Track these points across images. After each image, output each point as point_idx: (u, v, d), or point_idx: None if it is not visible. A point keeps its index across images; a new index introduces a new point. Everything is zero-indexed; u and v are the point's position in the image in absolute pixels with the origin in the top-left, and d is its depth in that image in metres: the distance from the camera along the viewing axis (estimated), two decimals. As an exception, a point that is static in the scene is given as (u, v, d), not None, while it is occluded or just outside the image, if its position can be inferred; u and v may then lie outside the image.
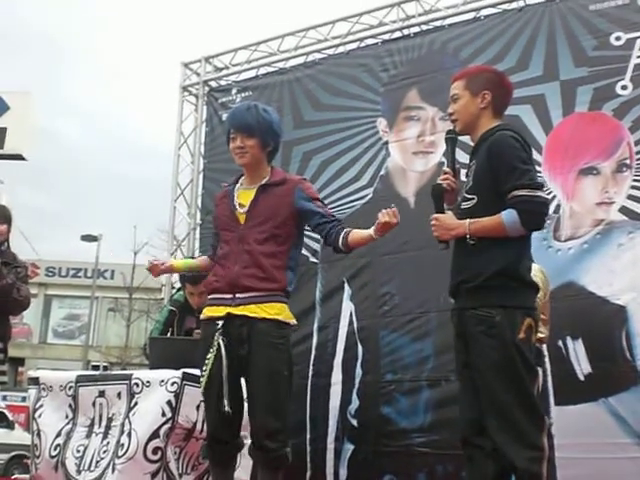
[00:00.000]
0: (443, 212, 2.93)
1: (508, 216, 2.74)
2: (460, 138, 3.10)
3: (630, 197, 4.62)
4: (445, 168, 3.09)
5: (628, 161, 4.67)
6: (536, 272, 4.10)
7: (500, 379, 2.71)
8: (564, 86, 5.00)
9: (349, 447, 5.29)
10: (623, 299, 4.46)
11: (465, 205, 2.90)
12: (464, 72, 3.14)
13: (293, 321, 3.25)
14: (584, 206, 4.70)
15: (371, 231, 3.06)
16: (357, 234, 3.15)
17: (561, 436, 4.30)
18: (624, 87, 4.76)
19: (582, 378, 4.48)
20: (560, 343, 4.53)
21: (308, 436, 5.45)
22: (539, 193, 2.78)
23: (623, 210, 4.63)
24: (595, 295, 4.54)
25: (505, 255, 2.79)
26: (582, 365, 4.49)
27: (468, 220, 2.83)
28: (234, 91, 6.91)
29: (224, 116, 6.85)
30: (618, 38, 4.90)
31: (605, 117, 4.81)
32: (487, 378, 2.74)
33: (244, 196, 3.30)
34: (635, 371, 4.35)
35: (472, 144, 3.04)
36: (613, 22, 4.97)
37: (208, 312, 3.26)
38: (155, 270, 3.51)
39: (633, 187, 4.64)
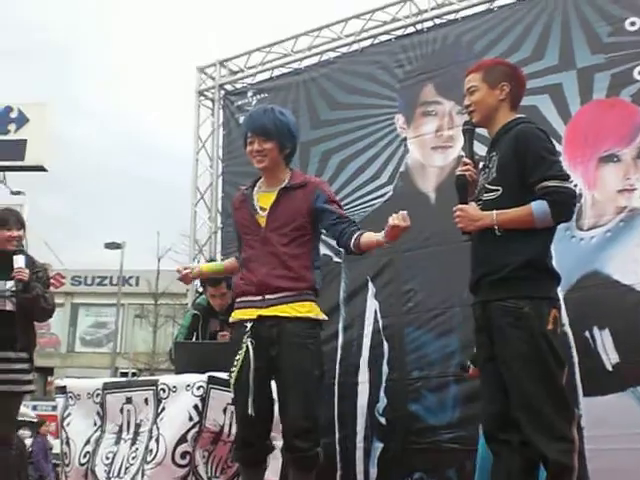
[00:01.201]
0: (467, 203, 2.90)
1: (538, 207, 2.74)
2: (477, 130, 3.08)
3: (653, 183, 4.57)
4: (465, 159, 3.05)
5: (649, 146, 4.62)
6: None
7: (529, 371, 2.69)
8: (581, 74, 4.95)
9: (378, 445, 5.28)
10: (648, 287, 4.41)
11: (489, 196, 2.88)
12: (480, 64, 3.14)
13: (323, 317, 3.28)
14: (606, 194, 4.64)
15: (380, 236, 3.05)
16: (368, 237, 3.14)
17: (590, 427, 4.27)
18: (641, 72, 4.73)
19: (610, 368, 4.42)
20: (587, 334, 4.47)
21: (337, 436, 5.44)
22: (568, 184, 2.79)
23: (646, 196, 4.58)
24: (620, 284, 4.48)
25: (531, 246, 2.79)
26: (610, 355, 4.42)
27: (495, 211, 2.81)
28: (250, 94, 6.92)
29: (241, 119, 6.87)
30: (633, 23, 4.85)
31: (623, 103, 4.76)
32: (515, 370, 2.72)
33: (264, 199, 3.32)
34: (664, 360, 4.30)
35: (488, 136, 3.02)
36: (626, 8, 4.92)
37: (238, 315, 3.29)
38: (186, 280, 3.58)
39: (655, 172, 4.59)
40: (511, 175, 2.83)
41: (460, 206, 2.90)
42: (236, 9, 61.16)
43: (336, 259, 5.72)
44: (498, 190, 2.85)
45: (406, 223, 2.93)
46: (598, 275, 4.55)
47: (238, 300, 3.32)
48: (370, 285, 5.57)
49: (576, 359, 4.42)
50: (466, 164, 3.01)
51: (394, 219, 2.95)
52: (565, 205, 2.79)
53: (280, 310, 3.16)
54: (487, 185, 2.91)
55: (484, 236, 2.85)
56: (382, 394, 5.32)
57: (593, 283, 4.50)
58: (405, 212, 2.96)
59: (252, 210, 3.32)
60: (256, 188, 3.39)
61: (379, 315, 5.48)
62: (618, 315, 4.46)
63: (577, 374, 4.41)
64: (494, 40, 5.44)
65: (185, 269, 3.58)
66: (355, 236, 3.16)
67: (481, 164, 3.06)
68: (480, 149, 3.22)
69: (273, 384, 3.26)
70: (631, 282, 4.46)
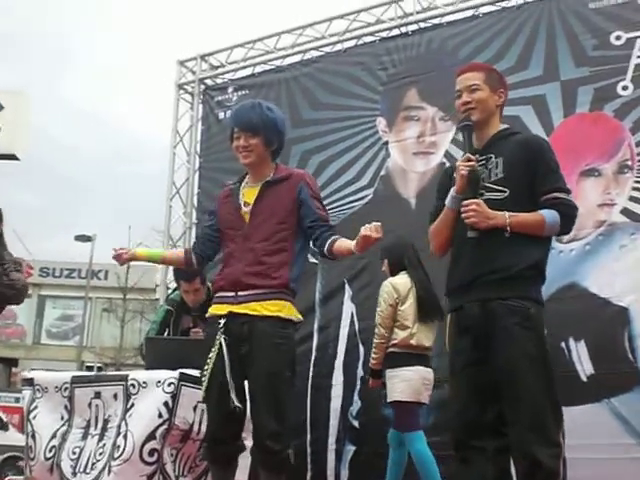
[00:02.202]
0: (478, 198, 2.83)
1: (550, 216, 2.76)
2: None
3: (632, 198, 4.63)
4: (468, 155, 2.92)
5: (629, 162, 4.67)
6: (385, 285, 4.57)
7: (534, 373, 2.69)
8: (565, 86, 4.99)
9: (350, 448, 5.28)
10: (625, 300, 4.47)
11: (493, 196, 2.84)
12: (479, 66, 3.17)
13: (297, 317, 3.21)
14: (586, 208, 4.65)
15: (352, 244, 3.02)
16: (341, 244, 3.11)
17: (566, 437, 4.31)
18: (625, 87, 4.76)
19: (585, 379, 4.49)
20: (563, 344, 4.53)
21: (309, 437, 5.43)
22: (572, 199, 2.85)
23: (625, 212, 4.64)
24: (597, 296, 4.55)
25: (537, 250, 2.81)
26: (585, 366, 4.50)
27: (507, 212, 2.78)
28: (230, 89, 6.88)
29: (220, 115, 6.83)
30: (618, 37, 4.89)
31: (606, 118, 4.81)
32: (521, 371, 2.69)
33: (249, 194, 3.29)
34: (637, 372, 4.36)
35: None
36: (613, 21, 4.97)
37: (212, 310, 3.25)
38: (120, 259, 3.46)
39: (634, 188, 4.65)
40: (520, 179, 2.83)
41: (476, 200, 2.82)
42: (219, 3, 60.75)
43: (313, 260, 5.69)
44: (505, 192, 2.83)
45: (378, 235, 2.89)
46: (576, 287, 4.61)
47: (215, 296, 3.29)
48: (347, 287, 5.57)
49: (551, 369, 4.47)
50: (470, 160, 2.92)
51: (366, 229, 2.90)
52: (572, 218, 2.84)
53: (250, 308, 3.12)
54: (489, 184, 2.88)
55: (486, 237, 2.80)
56: (356, 397, 5.31)
57: (571, 295, 4.56)
58: (379, 224, 2.91)
59: (237, 205, 3.29)
60: (243, 183, 3.36)
61: (355, 318, 5.48)
62: (594, 327, 4.52)
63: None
64: (479, 47, 5.47)
65: (121, 249, 3.49)
66: (329, 241, 3.13)
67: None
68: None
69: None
70: (608, 295, 4.52)
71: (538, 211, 2.77)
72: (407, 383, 4.39)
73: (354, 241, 3.00)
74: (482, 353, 2.78)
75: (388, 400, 4.42)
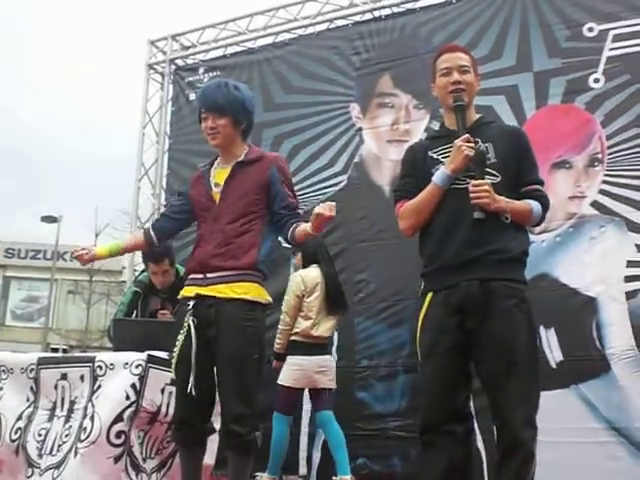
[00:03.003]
0: (484, 179, 2.80)
1: (537, 207, 2.84)
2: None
3: (601, 192, 4.70)
4: (468, 136, 2.85)
5: (600, 155, 4.74)
6: (295, 276, 4.84)
7: (530, 355, 2.74)
8: (537, 77, 5.03)
9: (323, 431, 5.36)
10: (594, 291, 4.57)
11: (488, 179, 2.81)
12: (465, 49, 3.11)
13: (266, 299, 3.20)
14: (557, 199, 4.73)
15: (308, 226, 3.02)
16: (300, 228, 3.10)
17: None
18: (596, 80, 4.82)
19: (554, 366, 4.59)
20: (534, 332, 4.64)
21: (282, 420, 5.49)
22: None
23: (595, 204, 4.72)
24: (567, 287, 4.65)
25: (525, 236, 2.90)
26: (554, 353, 4.59)
27: (504, 198, 2.78)
28: (201, 70, 6.81)
29: (191, 95, 6.77)
30: (591, 29, 4.93)
31: (577, 110, 4.86)
32: (519, 354, 2.70)
33: (220, 175, 3.27)
34: (605, 360, 4.47)
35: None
36: (586, 11, 5.00)
37: (183, 292, 3.24)
38: (80, 259, 3.45)
39: (604, 182, 4.72)
40: (511, 167, 2.86)
41: (487, 181, 2.79)
42: None
43: (285, 244, 5.70)
44: (498, 177, 2.83)
45: (330, 213, 2.89)
46: (547, 277, 4.69)
47: (187, 277, 3.28)
48: (321, 273, 5.58)
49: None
50: (470, 140, 2.85)
51: (319, 208, 2.91)
52: (547, 211, 2.92)
53: (217, 290, 3.11)
54: (487, 169, 2.86)
55: (476, 220, 2.77)
56: (330, 381, 5.37)
57: (542, 285, 4.62)
58: (333, 203, 2.91)
59: (207, 186, 3.27)
60: (215, 165, 3.34)
61: (329, 303, 5.50)
62: (564, 316, 4.61)
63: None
64: (453, 34, 5.45)
65: (82, 249, 3.47)
66: (292, 228, 3.13)
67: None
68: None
69: None
70: (577, 286, 4.62)
71: (526, 200, 2.81)
72: (293, 371, 4.71)
73: (308, 224, 3.02)
74: (466, 335, 2.77)
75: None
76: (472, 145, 2.83)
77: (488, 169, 2.84)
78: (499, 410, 2.70)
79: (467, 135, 2.84)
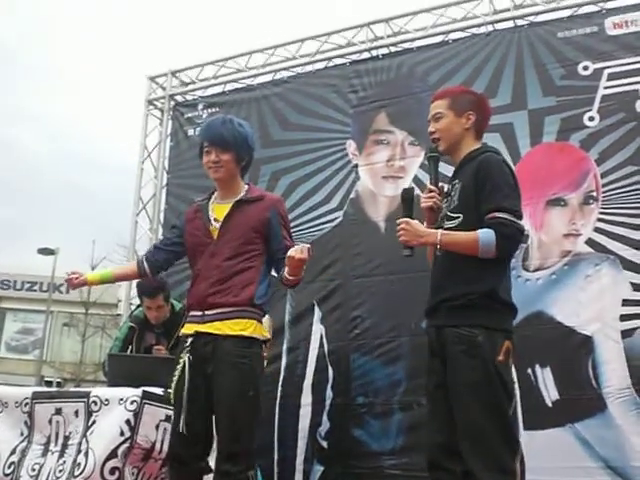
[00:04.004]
0: (411, 217, 2.89)
1: (485, 236, 2.73)
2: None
3: (596, 229, 4.71)
4: (430, 186, 3.04)
5: (594, 193, 4.76)
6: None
7: (478, 400, 2.69)
8: (532, 115, 5.07)
9: (319, 468, 5.26)
10: (589, 329, 4.56)
11: (450, 224, 2.87)
12: (447, 91, 3.16)
13: (263, 335, 3.20)
14: (552, 237, 4.78)
15: (284, 272, 3.08)
16: (287, 271, 3.10)
17: (530, 459, 4.36)
18: (591, 118, 4.86)
19: (550, 404, 4.56)
20: (529, 371, 4.60)
21: (276, 457, 5.40)
22: (518, 221, 2.78)
23: (589, 242, 4.72)
24: (563, 325, 4.63)
25: (490, 276, 2.79)
26: (550, 392, 4.56)
27: (440, 230, 2.81)
28: (200, 106, 6.86)
29: (190, 131, 6.82)
30: (586, 68, 4.99)
31: (572, 148, 4.89)
32: (465, 399, 2.71)
33: (219, 210, 3.28)
34: (601, 398, 4.44)
35: (448, 163, 3.08)
36: (581, 51, 5.06)
37: (183, 329, 3.24)
38: (71, 283, 3.45)
39: (599, 219, 4.73)
40: (471, 203, 2.83)
41: (405, 219, 2.88)
42: (191, 20, 60.16)
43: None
44: (459, 217, 2.85)
45: (301, 255, 2.92)
46: (542, 316, 4.68)
47: (187, 315, 3.29)
48: (317, 309, 5.56)
49: (518, 394, 4.55)
50: (431, 191, 3.02)
51: (291, 251, 2.94)
52: (511, 240, 2.79)
53: (215, 327, 3.11)
54: (449, 213, 2.91)
55: (442, 261, 2.87)
56: (325, 418, 5.30)
57: (537, 323, 4.61)
58: (307, 245, 2.96)
59: (206, 221, 3.28)
60: (212, 199, 3.36)
61: (325, 340, 5.47)
62: (560, 355, 4.59)
63: (519, 408, 4.54)
64: (448, 73, 5.52)
65: (73, 273, 3.47)
66: (282, 273, 3.15)
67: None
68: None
69: None
70: (573, 324, 4.60)
71: (478, 231, 2.75)
72: None
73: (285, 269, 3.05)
74: (446, 377, 2.82)
75: None
76: (429, 195, 3.01)
77: (451, 213, 2.89)
78: (464, 459, 2.71)
79: (429, 186, 3.04)
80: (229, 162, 3.25)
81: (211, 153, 3.25)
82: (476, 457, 2.65)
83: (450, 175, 3.13)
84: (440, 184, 3.08)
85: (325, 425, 5.32)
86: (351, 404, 5.26)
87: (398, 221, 2.88)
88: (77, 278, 3.44)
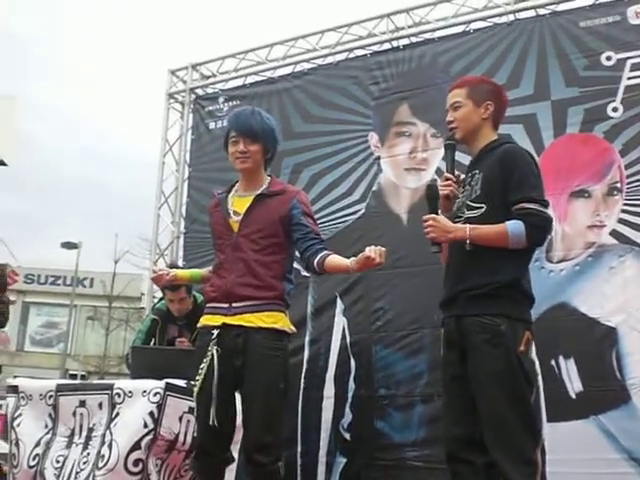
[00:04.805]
0: (437, 213, 2.90)
1: (514, 227, 2.74)
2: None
3: (620, 221, 4.66)
4: (447, 174, 3.06)
5: (619, 184, 4.71)
6: None
7: (502, 390, 2.70)
8: (555, 106, 5.02)
9: (341, 460, 5.29)
10: (614, 321, 4.51)
11: (472, 214, 2.88)
12: (465, 80, 3.17)
13: (291, 329, 3.24)
14: (576, 228, 4.74)
15: (349, 262, 3.04)
16: (335, 260, 3.12)
17: (553, 451, 4.35)
18: (615, 109, 4.80)
19: (574, 396, 4.54)
20: (552, 362, 4.57)
21: (299, 449, 5.44)
22: (546, 210, 2.80)
23: (614, 233, 4.68)
24: (587, 316, 4.59)
25: (513, 267, 2.81)
26: (574, 384, 4.54)
27: (469, 225, 2.81)
28: (221, 100, 6.86)
29: (211, 124, 6.84)
30: (609, 58, 4.92)
31: (596, 139, 4.84)
32: (487, 389, 2.72)
33: (239, 203, 3.30)
34: (625, 390, 4.41)
35: (466, 153, 3.09)
36: (604, 40, 4.99)
37: (204, 320, 3.25)
38: (160, 280, 3.48)
39: (623, 211, 4.68)
40: (496, 193, 2.84)
41: (432, 216, 2.88)
42: (211, 13, 60.42)
43: (304, 273, 5.72)
44: (482, 207, 2.86)
45: (381, 259, 2.93)
46: (566, 307, 4.65)
47: (207, 306, 3.30)
48: (339, 301, 5.56)
49: (542, 385, 4.53)
50: (448, 179, 3.03)
51: (371, 251, 2.94)
52: (541, 230, 2.81)
53: (245, 319, 3.12)
54: (470, 202, 2.91)
55: (461, 253, 2.85)
56: (347, 410, 5.32)
57: (561, 314, 4.60)
58: (384, 249, 2.96)
59: (225, 214, 3.29)
60: (232, 192, 3.37)
61: (347, 332, 5.48)
62: (583, 346, 4.57)
63: (542, 400, 4.52)
64: (471, 63, 5.48)
65: (161, 270, 3.52)
66: (321, 255, 3.15)
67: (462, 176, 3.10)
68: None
69: (237, 394, 3.23)
70: (597, 315, 4.57)
71: (505, 223, 2.76)
72: None
73: (351, 259, 3.03)
74: (465, 368, 2.83)
75: None
76: (446, 184, 3.01)
77: (473, 203, 2.89)
78: (489, 450, 2.72)
79: (445, 175, 3.05)
80: (256, 153, 3.27)
81: (239, 143, 3.27)
82: (501, 448, 2.66)
83: (467, 164, 3.14)
84: (456, 172, 3.09)
85: (347, 417, 5.34)
86: (373, 396, 5.27)
87: (425, 217, 2.88)
88: (167, 274, 3.46)
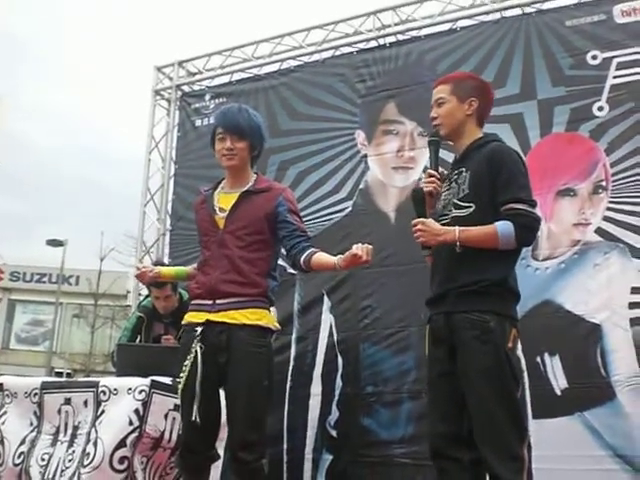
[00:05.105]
0: (425, 217, 2.90)
1: (503, 228, 2.75)
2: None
3: (605, 218, 4.70)
4: (430, 171, 3.07)
5: (604, 183, 4.75)
6: None
7: (491, 387, 2.71)
8: (541, 105, 5.04)
9: (328, 457, 5.29)
10: (598, 317, 4.55)
11: (460, 213, 2.88)
12: (450, 77, 3.17)
13: (276, 326, 3.24)
14: (561, 227, 4.77)
15: (336, 260, 3.04)
16: (322, 258, 3.13)
17: (538, 448, 4.38)
18: (600, 108, 4.83)
19: (559, 393, 4.56)
20: (538, 359, 4.60)
21: (285, 446, 5.43)
22: (535, 211, 2.82)
23: (599, 231, 4.71)
24: (572, 313, 4.62)
25: (502, 265, 2.83)
26: (559, 381, 4.57)
27: (458, 227, 2.81)
28: (207, 97, 6.84)
29: (197, 122, 6.81)
30: (594, 57, 4.95)
31: (582, 138, 4.87)
32: (478, 385, 2.73)
33: (225, 200, 3.29)
34: (610, 387, 4.44)
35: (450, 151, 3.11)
36: (589, 39, 5.01)
37: (189, 317, 3.25)
38: (143, 277, 3.46)
39: (608, 208, 4.72)
40: (484, 193, 2.84)
41: (421, 220, 2.88)
42: (197, 10, 60.01)
43: (290, 270, 5.72)
44: (470, 207, 2.86)
45: (368, 257, 2.94)
46: (551, 304, 4.68)
47: (191, 303, 3.30)
48: (326, 299, 5.57)
49: (527, 382, 4.56)
50: (431, 176, 3.03)
51: (358, 249, 2.94)
52: (530, 230, 2.82)
53: (229, 316, 3.12)
54: (457, 201, 2.91)
55: (449, 253, 2.86)
56: (334, 407, 5.33)
57: (546, 312, 4.63)
58: (371, 247, 2.97)
59: (211, 210, 3.29)
60: (218, 189, 3.37)
61: (334, 329, 5.49)
62: (568, 343, 4.60)
63: (528, 396, 4.54)
64: (457, 62, 5.48)
65: (145, 267, 3.50)
66: (307, 252, 3.16)
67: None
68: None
69: (222, 392, 3.23)
70: (582, 312, 4.60)
71: (495, 224, 2.77)
72: None
73: (338, 257, 3.03)
74: (454, 364, 2.84)
75: None
76: (430, 180, 3.00)
77: (460, 202, 2.89)
78: (478, 445, 2.73)
79: (429, 171, 3.04)
80: (243, 150, 3.28)
81: (226, 140, 3.27)
82: (489, 444, 2.68)
83: (451, 162, 3.16)
84: (440, 169, 3.09)
85: (334, 414, 5.34)
86: (360, 393, 5.28)
87: (414, 222, 2.88)
88: (151, 271, 3.44)
